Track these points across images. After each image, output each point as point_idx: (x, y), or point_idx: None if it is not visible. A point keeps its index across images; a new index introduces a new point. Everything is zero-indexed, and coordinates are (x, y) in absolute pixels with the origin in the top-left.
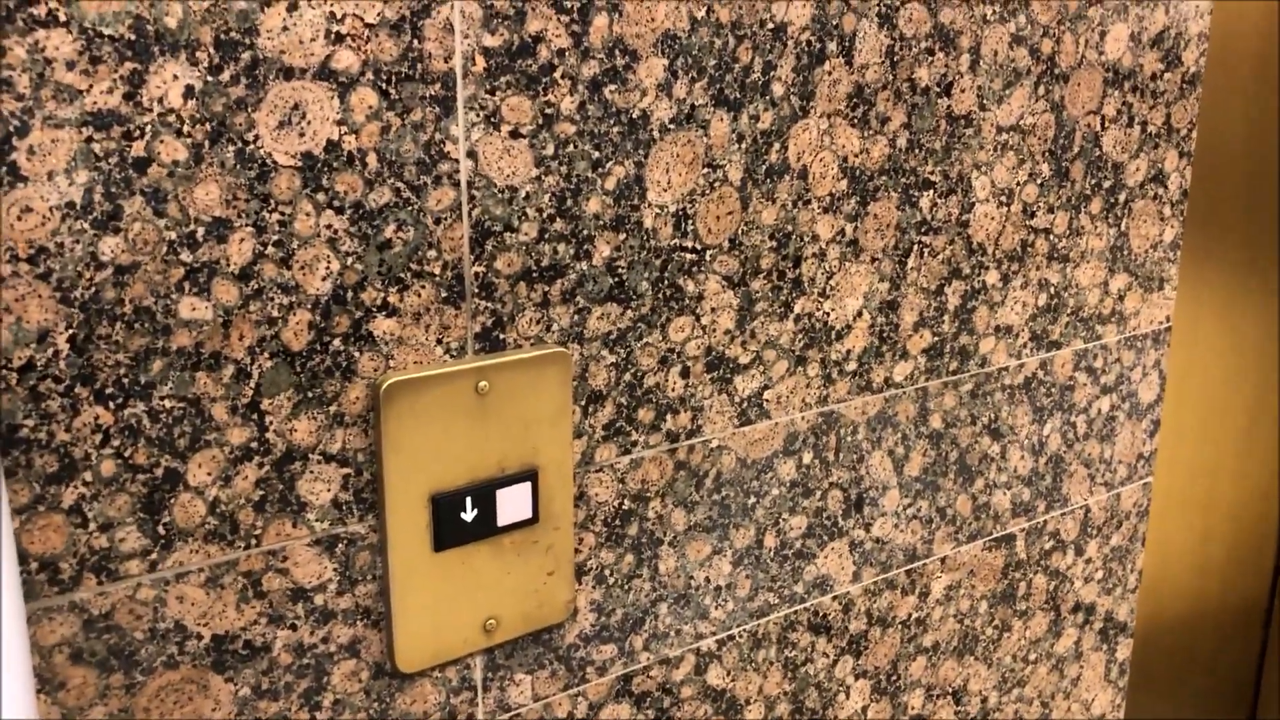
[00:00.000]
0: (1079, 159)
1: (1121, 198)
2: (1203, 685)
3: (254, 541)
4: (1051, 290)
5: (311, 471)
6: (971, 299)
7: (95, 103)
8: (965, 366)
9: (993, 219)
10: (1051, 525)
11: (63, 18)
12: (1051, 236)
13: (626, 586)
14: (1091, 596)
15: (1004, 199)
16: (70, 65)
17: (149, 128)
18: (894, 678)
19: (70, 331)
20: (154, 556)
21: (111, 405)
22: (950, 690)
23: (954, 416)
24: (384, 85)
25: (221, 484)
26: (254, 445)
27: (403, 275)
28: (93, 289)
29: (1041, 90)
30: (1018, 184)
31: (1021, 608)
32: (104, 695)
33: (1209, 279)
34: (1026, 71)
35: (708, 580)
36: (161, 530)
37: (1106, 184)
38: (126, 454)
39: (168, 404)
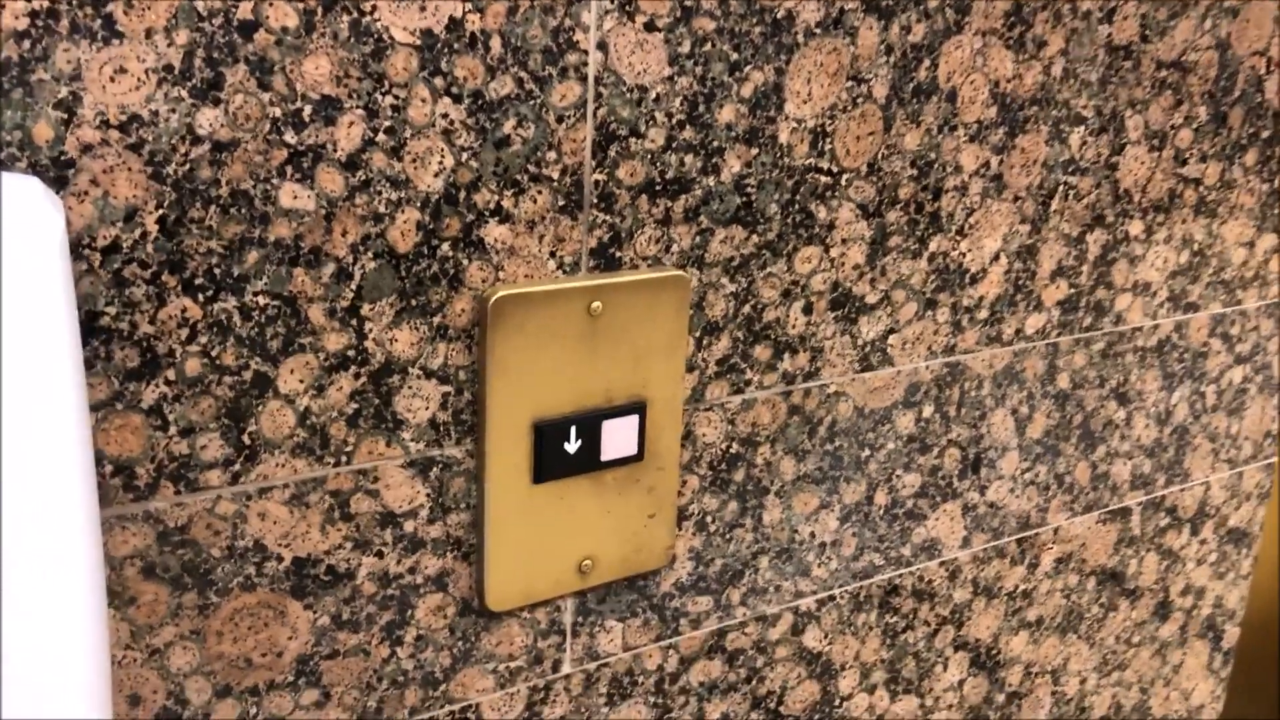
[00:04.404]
0: (1239, 104)
1: (1279, 151)
2: None
3: (344, 459)
4: (1195, 247)
5: (410, 387)
6: (1112, 250)
7: None
8: (1099, 324)
9: (1143, 163)
10: (1170, 501)
11: None
12: (1201, 188)
13: (728, 536)
14: (1203, 580)
15: (1156, 143)
16: None
17: None
18: (994, 651)
19: (160, 212)
20: (236, 468)
21: (200, 298)
22: (1050, 669)
23: (1082, 377)
24: None
25: (314, 393)
26: (351, 354)
27: (519, 178)
28: (187, 165)
29: (1208, 24)
30: (1172, 127)
31: (1130, 586)
32: (175, 615)
33: None
34: (1194, 1)
35: (812, 535)
36: (246, 440)
37: (1265, 134)
38: (213, 353)
39: (261, 301)
